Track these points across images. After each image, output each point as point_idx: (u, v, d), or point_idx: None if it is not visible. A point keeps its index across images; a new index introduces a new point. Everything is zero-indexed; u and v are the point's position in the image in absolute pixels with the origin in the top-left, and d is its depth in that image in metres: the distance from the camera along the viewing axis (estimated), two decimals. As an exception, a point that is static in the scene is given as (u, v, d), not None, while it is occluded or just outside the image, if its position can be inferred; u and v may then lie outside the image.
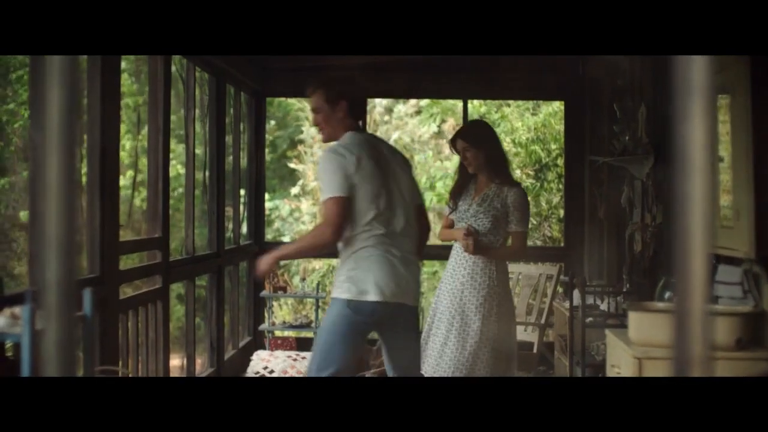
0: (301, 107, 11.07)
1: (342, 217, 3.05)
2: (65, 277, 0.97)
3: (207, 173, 5.34)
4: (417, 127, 10.57)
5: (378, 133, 10.48)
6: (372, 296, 3.07)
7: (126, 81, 8.73)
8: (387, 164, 3.20)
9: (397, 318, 3.20)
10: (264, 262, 3.20)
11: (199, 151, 5.37)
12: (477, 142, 3.95)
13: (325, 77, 3.31)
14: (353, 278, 3.10)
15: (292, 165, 10.86)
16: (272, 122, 11.51)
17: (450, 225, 4.09)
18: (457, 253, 3.98)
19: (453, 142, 4.04)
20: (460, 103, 6.94)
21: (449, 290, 3.94)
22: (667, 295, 3.79)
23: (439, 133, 10.53)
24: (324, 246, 3.11)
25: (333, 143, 3.20)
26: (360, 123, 3.33)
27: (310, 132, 10.70)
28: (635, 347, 3.14)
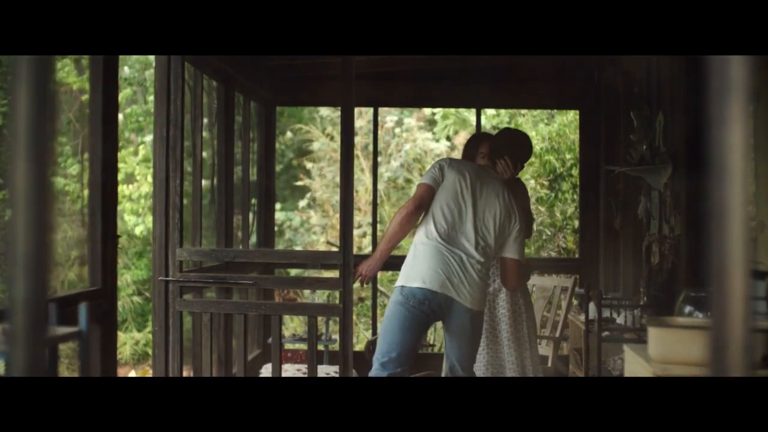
0: (311, 117, 11.00)
1: (422, 199, 3.45)
2: (34, 296, 0.89)
3: (215, 182, 5.26)
4: (429, 140, 10.47)
5: (390, 146, 10.40)
6: (417, 282, 3.34)
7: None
8: (479, 187, 3.50)
9: (448, 313, 3.39)
10: (371, 268, 3.55)
11: (207, 158, 5.30)
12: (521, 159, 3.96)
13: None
14: (408, 265, 3.42)
15: (298, 183, 10.87)
16: (288, 134, 11.41)
17: None
18: None
19: (500, 152, 3.86)
20: (472, 116, 6.85)
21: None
22: (687, 309, 3.68)
23: (451, 148, 10.42)
24: (405, 218, 3.42)
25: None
26: (476, 161, 3.90)
27: (320, 144, 10.64)
28: (655, 364, 3.03)
